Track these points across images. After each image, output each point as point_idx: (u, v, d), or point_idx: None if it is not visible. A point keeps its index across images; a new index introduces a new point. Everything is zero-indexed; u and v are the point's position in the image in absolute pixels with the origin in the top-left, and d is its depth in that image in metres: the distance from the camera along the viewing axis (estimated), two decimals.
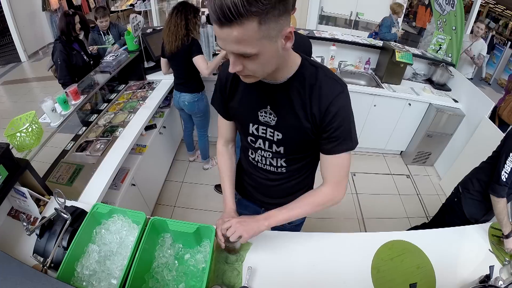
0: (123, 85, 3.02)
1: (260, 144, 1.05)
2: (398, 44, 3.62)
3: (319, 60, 3.53)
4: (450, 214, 2.00)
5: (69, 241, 1.15)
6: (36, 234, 1.17)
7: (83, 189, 1.73)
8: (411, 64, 3.28)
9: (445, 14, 3.53)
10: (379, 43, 3.70)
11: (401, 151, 3.87)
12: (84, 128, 2.35)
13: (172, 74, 2.69)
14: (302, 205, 1.03)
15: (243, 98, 0.99)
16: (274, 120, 0.95)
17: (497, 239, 1.50)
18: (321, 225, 2.76)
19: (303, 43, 1.96)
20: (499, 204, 1.59)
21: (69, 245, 1.12)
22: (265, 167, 1.13)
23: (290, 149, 1.02)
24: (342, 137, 0.91)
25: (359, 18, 6.48)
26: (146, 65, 3.22)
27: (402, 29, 5.64)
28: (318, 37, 3.58)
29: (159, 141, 2.86)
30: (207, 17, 2.94)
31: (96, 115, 2.52)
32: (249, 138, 1.06)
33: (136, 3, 7.24)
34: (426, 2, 8.63)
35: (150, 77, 3.14)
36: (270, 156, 1.07)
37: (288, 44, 0.75)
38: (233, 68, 0.75)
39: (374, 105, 3.32)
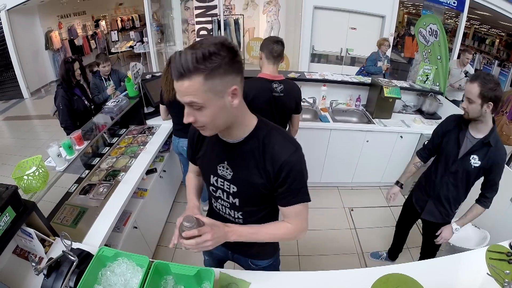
0: (124, 129, 3.13)
1: (220, 194, 1.14)
2: (385, 80, 3.79)
3: (311, 100, 3.70)
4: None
5: (76, 282, 1.21)
6: (44, 274, 1.22)
7: (87, 232, 1.80)
8: (400, 98, 3.42)
9: (429, 45, 3.72)
10: (368, 80, 3.85)
11: None
12: (87, 171, 2.43)
13: (171, 119, 2.78)
14: (265, 233, 1.10)
15: (206, 152, 1.12)
16: (230, 174, 1.05)
17: (496, 261, 1.52)
18: (320, 261, 2.77)
19: (295, 89, 2.18)
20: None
21: (75, 286, 1.18)
22: (225, 216, 1.21)
23: (245, 201, 1.11)
24: (297, 191, 1.01)
25: (349, 54, 6.76)
26: (146, 110, 3.34)
27: (391, 59, 5.87)
28: (309, 79, 3.76)
29: (160, 185, 2.91)
30: None
31: (98, 158, 2.61)
32: (210, 188, 1.17)
33: (135, 45, 7.53)
34: (412, 33, 9.02)
35: (150, 122, 3.26)
36: (228, 206, 1.15)
37: (235, 101, 0.84)
38: (186, 118, 0.85)
39: (367, 141, 3.39)
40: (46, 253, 1.59)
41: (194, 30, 5.82)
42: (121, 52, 9.63)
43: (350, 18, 6.40)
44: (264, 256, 1.40)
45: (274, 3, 6.70)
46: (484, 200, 1.81)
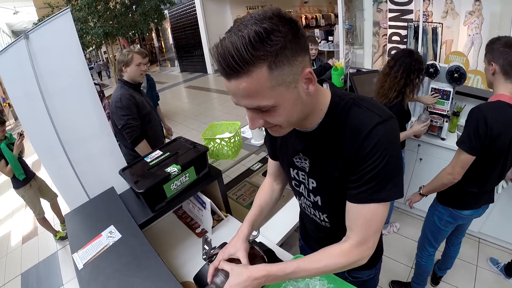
0: None
1: (302, 189, 0.93)
2: None
3: None
4: None
5: None
6: (209, 263, 0.93)
7: (264, 221, 1.52)
8: None
9: None
10: None
11: None
12: None
13: None
14: (306, 270, 0.76)
15: (282, 143, 0.93)
16: (308, 166, 0.84)
17: None
18: None
19: None
20: None
21: None
22: (311, 216, 0.98)
23: (328, 201, 0.87)
24: (376, 182, 0.70)
25: None
26: None
27: None
28: None
29: None
30: None
31: None
32: (293, 182, 0.96)
33: (320, 42, 7.41)
34: None
35: None
36: (311, 205, 0.93)
37: (311, 87, 0.64)
38: (253, 125, 0.67)
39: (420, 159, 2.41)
40: (212, 228, 1.44)
41: (386, 34, 5.18)
42: None
43: None
44: (363, 266, 0.94)
45: (477, 14, 5.22)
46: None
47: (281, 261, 0.88)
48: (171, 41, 13.61)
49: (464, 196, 1.54)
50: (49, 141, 1.37)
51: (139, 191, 1.13)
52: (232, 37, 0.53)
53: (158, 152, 1.43)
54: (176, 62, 13.59)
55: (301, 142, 0.82)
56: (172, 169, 1.25)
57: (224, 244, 0.97)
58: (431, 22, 5.33)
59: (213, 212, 1.48)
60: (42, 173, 3.30)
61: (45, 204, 3.11)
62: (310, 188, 0.88)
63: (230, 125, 1.74)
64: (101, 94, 3.91)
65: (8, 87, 1.32)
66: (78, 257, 1.03)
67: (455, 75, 2.06)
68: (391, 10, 5.01)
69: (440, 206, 1.64)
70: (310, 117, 0.74)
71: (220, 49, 0.55)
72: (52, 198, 3.18)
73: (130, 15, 8.70)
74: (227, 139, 1.61)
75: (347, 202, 0.78)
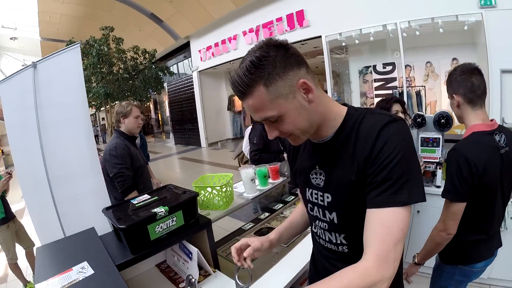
0: None
1: (316, 212, 0.91)
2: None
3: None
4: None
5: None
6: None
7: (259, 276, 1.39)
8: None
9: None
10: None
11: None
12: (266, 213, 2.10)
13: None
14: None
15: (300, 162, 0.95)
16: (322, 180, 0.85)
17: None
18: None
19: None
20: None
21: None
22: (326, 245, 0.93)
23: (344, 216, 0.83)
24: (392, 181, 0.69)
25: None
26: None
27: None
28: None
29: None
30: None
31: (281, 204, 2.25)
32: (308, 206, 0.95)
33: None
34: None
35: None
36: (327, 227, 0.89)
37: (310, 95, 0.73)
38: (270, 135, 0.78)
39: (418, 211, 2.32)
40: (198, 282, 1.28)
41: (373, 104, 5.52)
42: None
43: None
44: None
45: None
46: None
47: None
48: (167, 113, 14.22)
49: (474, 247, 1.35)
50: (37, 175, 1.33)
51: (121, 226, 1.05)
52: (237, 69, 0.70)
53: (146, 196, 1.38)
54: (171, 135, 13.99)
55: (318, 155, 0.86)
56: (159, 210, 1.19)
57: None
58: (414, 86, 5.74)
59: (200, 267, 1.36)
60: (24, 222, 3.13)
61: (20, 251, 2.91)
62: (326, 204, 0.86)
63: (222, 177, 1.72)
64: None
65: (7, 115, 1.31)
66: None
67: (442, 121, 2.15)
68: (376, 80, 5.42)
69: (447, 266, 1.43)
70: (324, 125, 0.80)
71: (230, 79, 0.72)
72: (28, 246, 2.97)
73: (131, 81, 9.27)
74: (218, 188, 1.58)
75: (367, 210, 0.74)
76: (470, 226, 1.30)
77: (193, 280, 0.91)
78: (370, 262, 0.67)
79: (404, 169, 0.69)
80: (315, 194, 0.88)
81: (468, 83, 1.27)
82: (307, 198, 0.93)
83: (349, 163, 0.76)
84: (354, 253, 0.83)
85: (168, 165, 9.48)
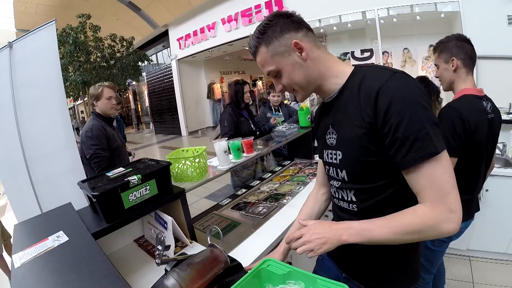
0: (289, 162, 2.80)
1: (332, 172, 0.94)
2: None
3: (500, 146, 2.63)
4: None
5: None
6: (166, 270, 0.92)
7: (235, 246, 1.47)
8: None
9: None
10: None
11: None
12: (244, 189, 2.22)
13: None
14: (380, 226, 0.76)
15: (320, 129, 1.01)
16: (335, 139, 0.90)
17: None
18: None
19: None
20: None
21: None
22: (339, 204, 0.97)
23: (353, 173, 0.86)
24: (411, 136, 0.69)
25: None
26: (315, 143, 2.92)
27: None
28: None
29: None
30: None
31: (258, 181, 2.36)
32: (326, 168, 0.99)
33: (290, 103, 7.87)
34: None
35: (317, 158, 2.77)
36: (339, 185, 0.93)
37: (303, 54, 0.83)
38: (277, 87, 0.92)
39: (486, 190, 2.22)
40: (175, 254, 1.30)
41: None
42: None
43: None
44: (393, 284, 0.93)
45: (433, 58, 5.85)
46: None
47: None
48: (147, 103, 13.94)
49: None
50: (13, 157, 1.30)
51: (94, 193, 1.06)
52: (251, 34, 0.87)
53: (121, 169, 1.38)
54: (151, 125, 13.76)
55: (330, 116, 0.92)
56: (132, 178, 1.19)
57: (188, 256, 0.94)
58: None
59: (177, 240, 1.38)
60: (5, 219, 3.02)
61: None
62: (338, 162, 0.90)
63: (196, 150, 1.72)
64: None
65: None
66: (18, 257, 0.90)
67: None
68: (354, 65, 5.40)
69: None
70: (327, 82, 0.88)
71: (249, 44, 0.89)
72: (5, 239, 2.88)
73: (109, 69, 9.04)
74: (191, 159, 1.59)
75: (403, 173, 0.76)
76: (458, 185, 1.38)
77: (162, 238, 0.93)
78: (427, 211, 0.73)
79: (419, 123, 0.69)
80: (330, 153, 0.93)
81: (467, 49, 1.38)
82: (325, 159, 0.97)
83: (355, 120, 0.79)
84: (362, 212, 0.89)
85: (148, 154, 9.34)
